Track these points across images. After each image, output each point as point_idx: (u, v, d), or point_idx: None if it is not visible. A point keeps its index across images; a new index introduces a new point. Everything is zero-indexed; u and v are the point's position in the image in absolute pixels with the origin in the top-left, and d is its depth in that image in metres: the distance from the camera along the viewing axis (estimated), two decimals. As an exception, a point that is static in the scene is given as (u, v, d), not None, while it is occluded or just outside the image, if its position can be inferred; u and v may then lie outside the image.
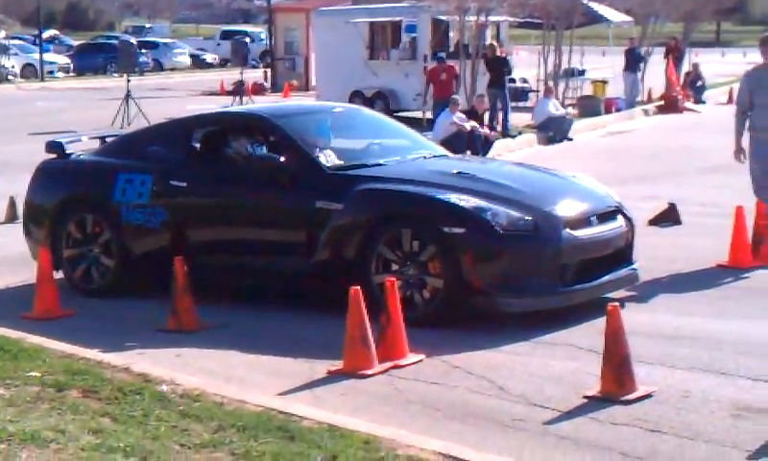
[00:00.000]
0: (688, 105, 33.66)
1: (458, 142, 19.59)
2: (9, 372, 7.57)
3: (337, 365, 8.00)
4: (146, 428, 6.44)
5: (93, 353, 8.23)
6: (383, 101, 28.82)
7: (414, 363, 8.14)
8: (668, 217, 13.94)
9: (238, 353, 8.66)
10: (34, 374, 7.53)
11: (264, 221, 10.16)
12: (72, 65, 59.21)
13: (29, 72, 55.66)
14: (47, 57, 57.67)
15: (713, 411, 7.00)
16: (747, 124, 12.25)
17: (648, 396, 7.21)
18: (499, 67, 26.07)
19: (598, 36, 42.43)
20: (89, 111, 33.21)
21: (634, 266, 10.11)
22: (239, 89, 34.30)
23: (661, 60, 35.68)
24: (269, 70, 46.61)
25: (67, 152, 11.58)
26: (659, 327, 9.09)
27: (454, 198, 9.35)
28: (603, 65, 38.65)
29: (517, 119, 27.08)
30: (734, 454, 6.28)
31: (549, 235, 9.26)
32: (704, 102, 35.59)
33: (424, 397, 7.47)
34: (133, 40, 46.26)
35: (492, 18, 29.67)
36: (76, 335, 9.01)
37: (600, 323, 7.57)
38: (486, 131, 22.14)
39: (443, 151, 11.57)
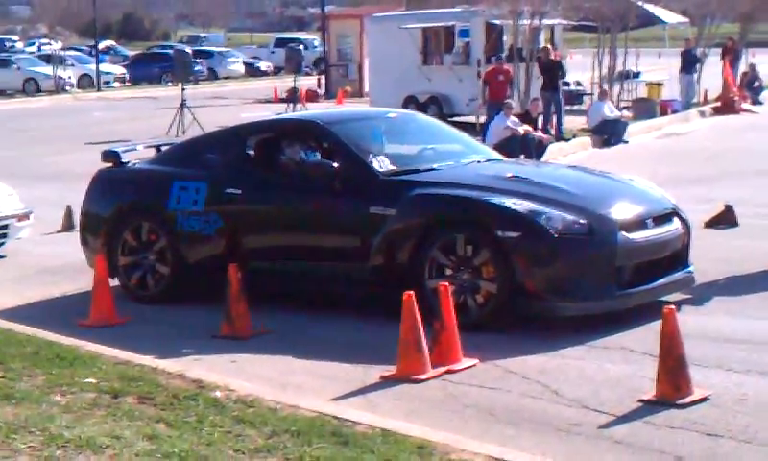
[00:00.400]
0: (745, 106, 33.30)
1: (512, 146, 19.53)
2: (65, 379, 7.64)
3: (390, 370, 7.99)
4: (200, 434, 6.47)
5: (148, 360, 8.29)
6: (437, 106, 28.79)
7: (468, 368, 8.11)
8: (725, 219, 13.80)
9: (292, 359, 8.68)
10: (90, 380, 7.59)
11: (318, 227, 10.18)
12: (128, 75, 59.75)
13: (85, 82, 56.25)
14: (103, 67, 58.24)
15: (771, 414, 6.91)
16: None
17: (704, 399, 7.14)
18: (553, 71, 25.99)
19: (653, 37, 42.08)
20: (145, 121, 33.51)
21: (690, 269, 10.02)
22: (293, 97, 34.41)
23: (718, 61, 35.33)
24: (322, 77, 46.76)
25: (123, 161, 11.68)
26: (715, 329, 8.99)
27: (508, 202, 9.31)
28: (658, 67, 38.33)
29: (572, 122, 26.95)
30: (793, 458, 6.20)
31: (604, 238, 9.20)
32: (761, 103, 35.19)
33: (478, 401, 7.44)
34: (188, 50, 46.63)
35: (545, 22, 29.55)
36: (131, 342, 9.07)
37: (656, 326, 7.51)
38: (540, 134, 22.05)
39: (496, 155, 11.54)
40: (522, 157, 19.25)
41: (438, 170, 10.32)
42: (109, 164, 11.75)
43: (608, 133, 25.18)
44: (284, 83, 44.01)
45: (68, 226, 15.05)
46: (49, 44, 62.88)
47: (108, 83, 56.80)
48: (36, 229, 14.31)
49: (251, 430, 6.53)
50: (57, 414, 6.84)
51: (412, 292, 8.00)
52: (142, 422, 6.70)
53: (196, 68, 49.86)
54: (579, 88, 34.52)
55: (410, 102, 28.73)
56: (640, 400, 7.18)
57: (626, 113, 28.36)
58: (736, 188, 16.98)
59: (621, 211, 9.54)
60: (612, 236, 9.23)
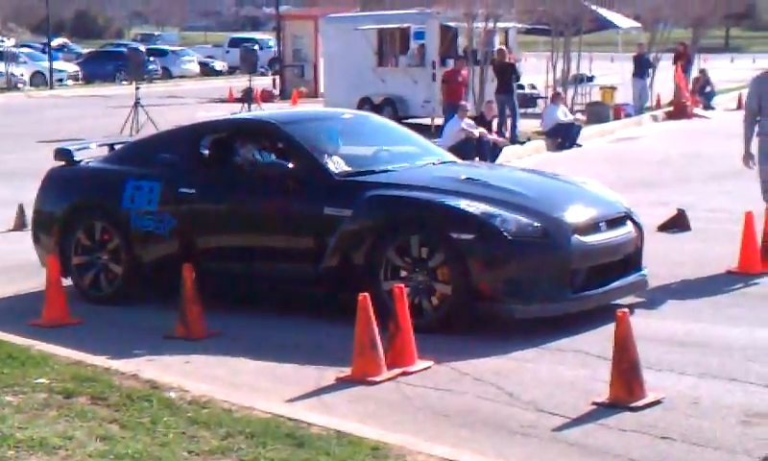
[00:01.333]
0: (697, 111, 33.60)
1: (467, 149, 19.59)
2: (17, 379, 7.58)
3: (346, 372, 7.99)
4: (154, 435, 6.43)
5: (101, 360, 8.23)
6: (391, 107, 28.81)
7: (422, 370, 8.12)
8: (677, 223, 13.91)
9: (247, 360, 8.65)
10: (42, 380, 7.53)
11: (273, 227, 10.15)
12: (81, 73, 59.32)
13: (38, 80, 55.77)
14: (56, 65, 57.80)
15: (723, 417, 6.97)
16: (756, 129, 12.20)
17: (657, 402, 7.19)
18: (507, 73, 26.08)
19: (607, 42, 42.39)
20: (98, 119, 33.27)
21: (643, 272, 10.09)
22: (248, 96, 34.34)
23: (670, 66, 35.62)
24: (277, 77, 46.67)
25: (76, 159, 11.58)
26: (668, 333, 9.06)
27: (463, 204, 9.33)
28: (611, 71, 38.61)
29: (526, 125, 27.06)
30: (745, 461, 6.26)
31: (558, 241, 9.24)
32: (713, 108, 35.54)
33: (433, 403, 7.45)
34: (142, 48, 46.43)
35: (500, 25, 29.66)
36: (84, 342, 9.01)
37: (609, 329, 7.55)
38: (494, 137, 22.12)
39: (451, 157, 11.56)
40: (477, 159, 19.33)
41: (393, 172, 10.32)
42: (62, 163, 11.65)
43: (562, 137, 25.32)
44: (239, 82, 43.97)
45: (20, 224, 14.92)
46: (1, 41, 62.19)
47: (61, 80, 56.36)
48: (-13, 227, 14.17)
49: (205, 431, 6.51)
50: (8, 414, 6.78)
51: (367, 294, 8.00)
52: (95, 422, 6.65)
53: (150, 67, 49.75)
54: (533, 92, 34.69)
55: (365, 103, 28.74)
56: (594, 403, 7.21)
57: (580, 117, 28.53)
58: (689, 193, 17.14)
59: (575, 214, 9.59)
60: (565, 239, 9.28)
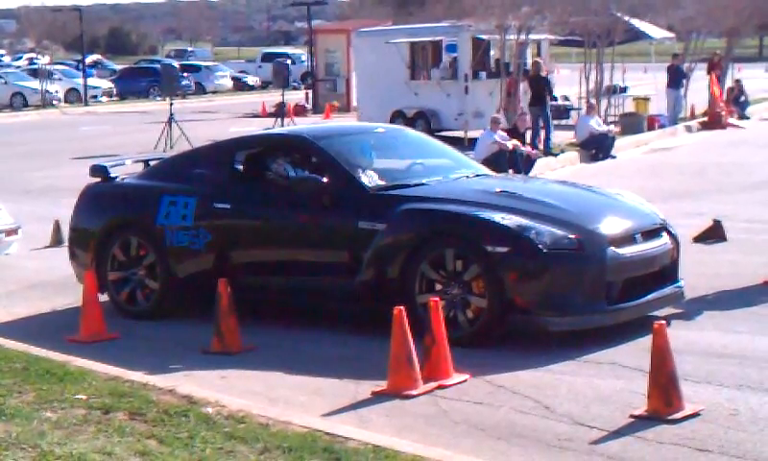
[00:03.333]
0: (732, 121, 33.41)
1: (500, 161, 19.55)
2: (55, 395, 7.62)
3: (381, 385, 7.99)
4: (192, 450, 6.45)
5: (138, 376, 8.27)
6: (424, 121, 28.82)
7: (459, 383, 8.11)
8: (713, 234, 13.83)
9: (283, 374, 8.66)
10: (80, 396, 7.57)
11: (307, 242, 10.17)
12: (115, 90, 59.74)
13: (73, 97, 56.22)
14: (90, 81, 58.24)
15: (762, 429, 6.92)
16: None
17: (695, 414, 7.15)
18: (541, 86, 26.05)
19: (640, 52, 42.29)
20: (133, 135, 33.48)
21: (679, 284, 10.04)
22: (280, 111, 34.44)
23: (704, 75, 35.45)
24: (310, 91, 46.79)
25: (111, 175, 11.66)
26: (705, 344, 9.01)
27: (497, 217, 9.32)
28: (645, 82, 38.47)
29: (560, 137, 27.00)
30: (785, 473, 6.22)
31: (593, 254, 9.21)
32: (747, 117, 35.34)
33: (469, 417, 7.44)
34: (176, 64, 46.66)
35: (532, 37, 29.62)
36: (121, 358, 9.05)
37: (646, 341, 7.52)
38: (528, 149, 22.08)
39: (485, 170, 11.55)
40: (511, 171, 19.29)
41: (427, 185, 10.32)
42: (98, 179, 11.73)
43: (595, 148, 25.25)
44: (272, 97, 44.11)
45: (57, 241, 15.01)
46: (36, 59, 62.72)
47: (95, 97, 56.80)
48: (24, 243, 14.28)
49: (242, 446, 6.52)
50: (48, 430, 6.82)
51: (402, 307, 8.00)
52: (133, 438, 6.68)
53: (183, 82, 50.04)
54: (566, 103, 34.60)
55: (397, 116, 28.77)
56: (632, 416, 7.18)
57: (613, 128, 28.43)
58: (724, 203, 17.04)
59: (610, 226, 9.56)
60: (601, 251, 9.25)
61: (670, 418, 7.03)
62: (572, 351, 8.84)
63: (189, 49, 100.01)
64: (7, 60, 78.52)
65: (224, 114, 43.97)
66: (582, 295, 9.15)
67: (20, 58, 76.52)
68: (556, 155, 24.86)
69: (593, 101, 29.27)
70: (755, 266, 11.88)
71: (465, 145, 23.88)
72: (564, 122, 31.35)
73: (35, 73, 56.14)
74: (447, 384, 8.05)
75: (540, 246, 9.07)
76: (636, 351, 8.59)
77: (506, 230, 9.20)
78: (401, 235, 9.58)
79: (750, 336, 9.27)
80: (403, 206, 9.72)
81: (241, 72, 70.31)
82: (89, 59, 68.34)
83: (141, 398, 7.51)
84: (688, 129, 32.02)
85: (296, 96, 47.55)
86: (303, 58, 64.54)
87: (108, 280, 11.01)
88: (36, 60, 66.27)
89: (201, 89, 61.96)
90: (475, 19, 29.78)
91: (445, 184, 10.45)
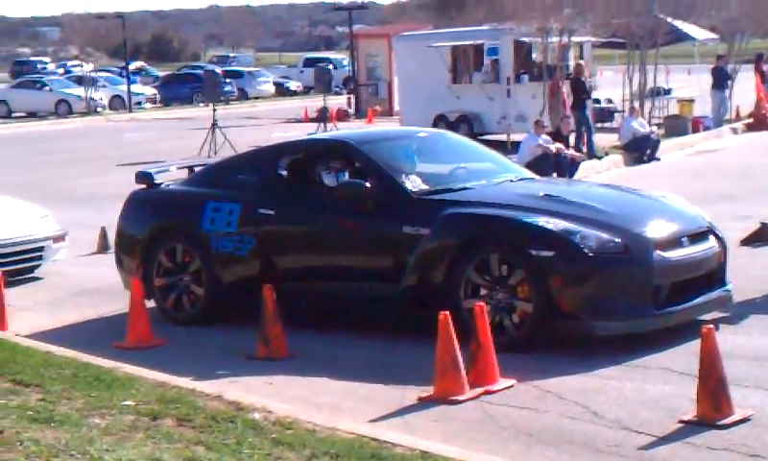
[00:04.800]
0: (777, 122, 33.06)
1: (544, 165, 19.47)
2: (104, 401, 7.66)
3: (428, 391, 7.98)
4: (240, 457, 6.46)
5: (186, 382, 8.31)
6: (467, 124, 28.76)
7: (505, 388, 8.09)
8: (761, 237, 13.69)
9: (329, 380, 8.67)
10: (128, 402, 7.61)
11: (351, 247, 10.18)
12: (159, 96, 60.08)
13: (117, 104, 56.59)
14: (134, 88, 58.60)
15: (813, 435, 6.85)
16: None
17: (745, 420, 7.08)
18: (578, 89, 25.90)
19: (683, 54, 41.96)
20: (177, 141, 33.65)
21: (727, 287, 9.95)
22: (323, 116, 34.50)
23: (749, 77, 35.11)
24: (352, 96, 46.84)
25: (156, 182, 11.72)
26: (754, 348, 8.93)
27: (542, 221, 9.28)
28: (689, 84, 38.21)
29: (604, 140, 26.85)
30: (837, 479, 6.14)
31: (639, 257, 9.16)
32: (793, 118, 34.94)
33: (517, 422, 7.41)
34: (218, 70, 46.86)
35: (574, 39, 29.49)
36: (168, 364, 9.10)
37: (694, 345, 7.46)
38: (572, 152, 21.98)
39: (529, 174, 11.51)
40: (555, 175, 19.22)
41: (471, 189, 10.30)
42: (143, 185, 11.80)
43: (640, 151, 25.09)
44: (314, 102, 44.14)
45: (103, 247, 15.11)
46: (80, 66, 63.20)
47: (139, 104, 57.13)
48: (71, 250, 14.38)
49: (290, 453, 6.52)
50: (97, 437, 6.85)
51: (447, 312, 7.99)
52: (181, 444, 6.70)
53: (226, 88, 50.14)
54: (610, 105, 34.41)
55: (440, 120, 28.71)
56: (681, 421, 7.13)
57: (657, 130, 28.22)
58: (771, 205, 16.84)
59: (656, 230, 9.50)
60: (647, 255, 9.19)
61: (719, 423, 6.97)
62: (619, 355, 8.79)
63: (231, 55, 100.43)
64: (51, 67, 79.15)
65: (266, 120, 44.12)
66: (628, 299, 9.09)
67: (64, 65, 77.11)
68: (600, 157, 24.73)
69: (637, 103, 29.09)
70: (803, 269, 11.75)
71: (508, 149, 23.79)
72: (607, 125, 31.18)
73: (79, 80, 56.57)
74: (494, 390, 8.03)
75: (585, 250, 9.03)
76: (685, 356, 8.53)
77: (551, 234, 9.16)
78: (446, 240, 9.57)
79: (799, 340, 9.18)
80: (447, 211, 9.71)
81: (283, 77, 70.48)
82: (133, 65, 68.76)
83: (188, 404, 7.54)
84: (734, 131, 31.74)
85: (338, 101, 47.58)
86: (345, 62, 64.62)
87: (155, 287, 11.06)
88: (70, 68, 66.81)
89: (243, 95, 62.16)
90: (517, 22, 29.71)
91: (489, 188, 10.42)
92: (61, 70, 70.70)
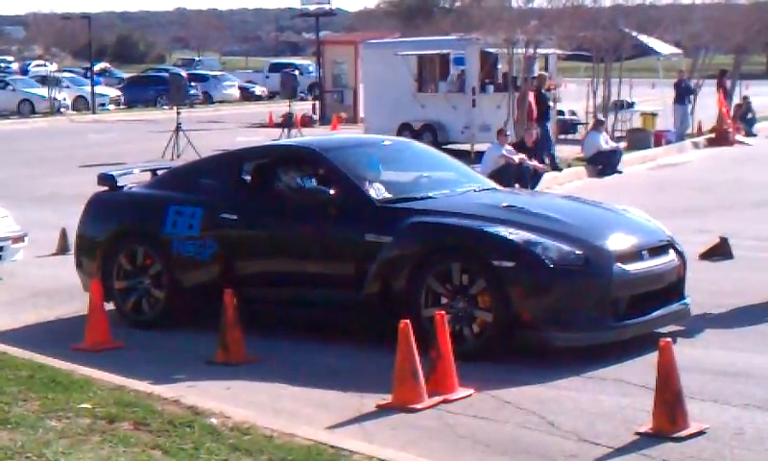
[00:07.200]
0: (739, 137, 33.38)
1: (507, 175, 19.53)
2: (60, 403, 7.62)
3: (386, 399, 7.98)
4: (196, 461, 6.44)
5: (144, 385, 8.27)
6: (431, 133, 28.80)
7: (464, 397, 8.10)
8: (720, 251, 13.81)
9: (287, 386, 8.66)
10: (85, 405, 7.57)
11: (314, 254, 10.17)
12: (123, 98, 59.78)
13: (80, 104, 56.24)
14: (98, 89, 58.26)
15: (767, 449, 6.90)
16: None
17: (701, 432, 7.13)
18: (539, 101, 25.99)
19: (647, 68, 42.22)
20: (140, 144, 33.49)
21: (685, 301, 10.02)
22: (288, 122, 34.47)
23: (711, 92, 35.41)
24: (317, 102, 46.79)
25: (119, 184, 11.67)
26: (711, 362, 8.99)
27: (504, 231, 9.32)
28: (652, 98, 38.46)
29: (567, 152, 26.99)
30: (790, 493, 6.20)
31: (600, 270, 9.21)
32: (754, 134, 35.28)
33: (474, 432, 7.43)
34: (183, 73, 46.67)
35: (540, 51, 29.61)
36: (126, 367, 9.05)
37: (652, 358, 7.51)
38: (535, 163, 22.06)
39: (492, 184, 11.54)
40: (517, 186, 19.28)
41: (434, 198, 10.33)
42: (105, 187, 11.74)
43: (602, 163, 25.20)
44: (279, 107, 44.10)
45: (63, 248, 15.01)
46: (44, 66, 62.81)
47: (103, 105, 56.80)
48: (30, 251, 14.27)
49: (247, 458, 6.52)
50: (53, 439, 6.81)
51: (408, 320, 8.00)
52: (138, 448, 6.68)
53: (191, 92, 50.00)
54: (573, 118, 34.59)
55: (405, 129, 28.74)
56: (637, 433, 7.17)
57: (620, 143, 28.39)
58: (731, 220, 17.01)
59: (617, 242, 9.55)
60: (607, 267, 9.24)
61: (675, 436, 7.02)
62: (578, 366, 8.83)
63: (197, 58, 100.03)
64: (15, 67, 78.57)
65: (231, 124, 43.97)
66: (588, 311, 9.14)
67: (29, 65, 76.55)
68: (561, 169, 24.84)
69: (601, 116, 29.24)
70: (761, 284, 11.85)
71: (471, 158, 23.86)
72: (570, 137, 31.32)
73: (43, 80, 56.20)
74: (452, 398, 8.05)
75: (546, 261, 9.07)
76: (642, 368, 8.58)
77: (513, 244, 9.19)
78: (408, 248, 9.58)
79: (756, 355, 9.25)
80: (410, 219, 9.73)
81: (249, 82, 70.32)
82: (97, 67, 68.36)
83: (146, 407, 7.51)
84: (695, 145, 32.00)
85: (303, 107, 47.53)
86: (311, 69, 64.60)
87: (114, 289, 11.01)
88: (27, 67, 66.28)
89: (208, 99, 61.94)
90: (483, 33, 29.78)
91: (452, 198, 10.45)
92: (16, 66, 70.03)
